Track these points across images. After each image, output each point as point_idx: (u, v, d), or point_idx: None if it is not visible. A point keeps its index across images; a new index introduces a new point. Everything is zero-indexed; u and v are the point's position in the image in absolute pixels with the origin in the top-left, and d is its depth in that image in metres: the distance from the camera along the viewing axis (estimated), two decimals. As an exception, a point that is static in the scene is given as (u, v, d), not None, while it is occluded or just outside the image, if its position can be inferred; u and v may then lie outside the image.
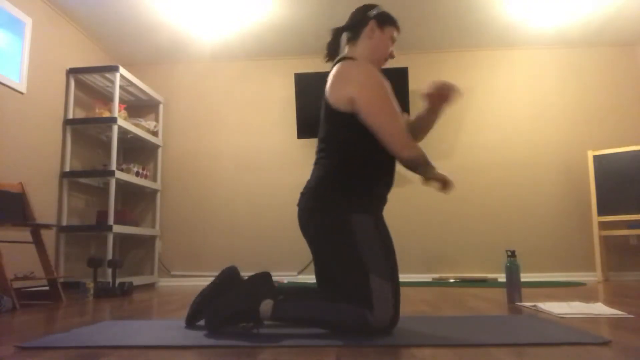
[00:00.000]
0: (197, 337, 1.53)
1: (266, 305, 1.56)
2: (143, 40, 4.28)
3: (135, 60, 4.70)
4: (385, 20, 1.77)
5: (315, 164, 1.74)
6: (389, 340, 1.44)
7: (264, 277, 1.64)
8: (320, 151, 1.73)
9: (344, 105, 1.62)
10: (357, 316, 1.50)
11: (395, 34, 1.79)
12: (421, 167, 1.59)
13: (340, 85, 1.63)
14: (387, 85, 1.64)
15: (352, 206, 1.60)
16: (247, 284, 1.62)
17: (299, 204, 1.72)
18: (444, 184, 1.61)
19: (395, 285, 1.55)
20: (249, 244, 4.43)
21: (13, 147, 3.21)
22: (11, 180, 3.10)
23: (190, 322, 1.77)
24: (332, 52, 1.82)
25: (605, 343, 1.35)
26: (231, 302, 1.59)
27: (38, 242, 2.89)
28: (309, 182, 1.73)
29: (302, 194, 1.73)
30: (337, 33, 1.82)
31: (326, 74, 4.68)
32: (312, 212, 1.66)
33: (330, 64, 1.86)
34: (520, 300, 2.38)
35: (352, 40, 1.78)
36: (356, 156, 1.64)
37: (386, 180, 1.69)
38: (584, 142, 4.38)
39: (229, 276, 1.77)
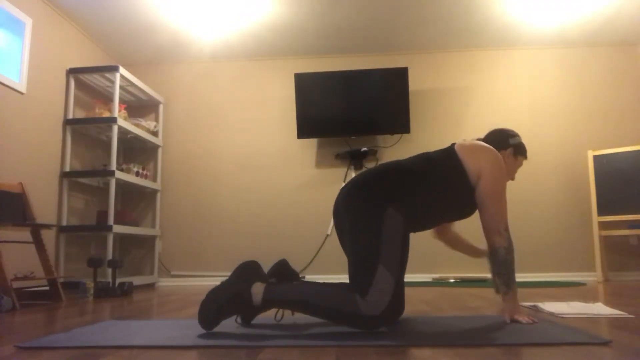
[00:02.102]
0: (197, 337, 1.53)
1: (257, 288, 1.60)
2: (143, 40, 4.29)
3: (135, 60, 4.71)
4: (521, 152, 2.01)
5: (398, 160, 1.84)
6: (389, 340, 1.44)
7: (252, 264, 1.69)
8: (415, 159, 1.83)
9: (469, 167, 1.80)
10: (347, 301, 1.53)
11: (522, 164, 2.08)
12: (500, 265, 1.74)
13: (481, 157, 1.81)
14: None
15: (393, 201, 1.67)
16: (237, 271, 1.67)
17: (342, 188, 1.81)
18: (510, 315, 1.76)
19: (398, 286, 1.58)
20: (249, 244, 4.43)
21: (13, 147, 3.21)
22: (11, 180, 3.10)
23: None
24: None
25: (605, 343, 1.35)
26: (223, 290, 1.61)
27: (38, 242, 2.89)
28: (361, 174, 1.81)
29: (351, 182, 1.80)
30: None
31: (326, 73, 4.67)
32: (358, 188, 1.72)
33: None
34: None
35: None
36: (432, 190, 1.75)
37: (422, 224, 1.82)
38: (584, 142, 4.38)
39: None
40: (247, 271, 1.66)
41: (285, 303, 1.60)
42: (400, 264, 1.61)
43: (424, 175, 1.77)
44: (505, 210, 1.79)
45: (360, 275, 1.58)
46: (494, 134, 2.03)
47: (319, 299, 1.56)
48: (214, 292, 1.62)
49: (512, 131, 2.03)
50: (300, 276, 1.98)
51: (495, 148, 1.97)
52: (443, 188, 1.77)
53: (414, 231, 1.84)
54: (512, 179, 2.02)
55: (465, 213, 1.86)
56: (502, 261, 1.74)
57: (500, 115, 4.48)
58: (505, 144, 1.98)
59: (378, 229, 1.62)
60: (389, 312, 1.54)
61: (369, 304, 1.51)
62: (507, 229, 1.76)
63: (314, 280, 2.13)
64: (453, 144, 1.89)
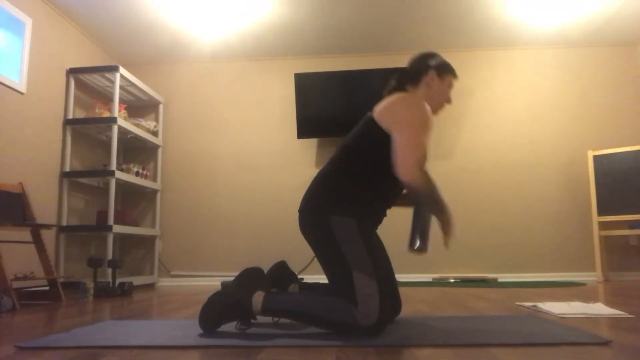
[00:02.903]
0: (197, 337, 1.53)
1: (258, 297, 1.60)
2: (143, 40, 4.29)
3: (135, 60, 4.70)
4: (445, 70, 1.86)
5: (322, 168, 1.79)
6: (389, 340, 1.44)
7: (255, 272, 1.69)
8: (334, 156, 1.76)
9: (385, 124, 1.69)
10: (345, 312, 1.51)
11: (453, 81, 1.90)
12: (424, 199, 1.64)
13: (392, 109, 1.70)
14: (430, 124, 1.71)
15: (333, 208, 1.64)
16: (240, 278, 1.67)
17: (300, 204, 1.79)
18: (444, 225, 1.71)
19: (383, 284, 1.54)
20: (249, 244, 4.43)
21: (13, 147, 3.21)
22: (11, 180, 3.10)
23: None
24: (395, 91, 1.89)
25: (605, 343, 1.35)
26: (225, 296, 1.61)
27: (38, 242, 2.89)
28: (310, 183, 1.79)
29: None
30: (400, 77, 1.90)
31: (326, 73, 4.66)
32: (302, 212, 1.72)
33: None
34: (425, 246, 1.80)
35: (413, 85, 1.87)
36: (363, 172, 1.68)
37: (379, 205, 1.74)
38: (584, 142, 4.38)
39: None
40: (250, 279, 1.66)
41: (284, 313, 1.60)
42: (374, 263, 1.56)
43: (349, 165, 1.69)
44: (416, 149, 1.61)
45: (343, 289, 1.55)
46: (412, 62, 1.88)
47: (318, 311, 1.55)
48: (216, 297, 1.62)
49: (430, 52, 1.89)
50: (299, 277, 1.97)
51: (417, 77, 1.84)
52: (375, 167, 1.68)
53: (379, 213, 1.74)
54: (449, 101, 1.87)
55: None
56: (427, 197, 1.61)
57: (500, 116, 4.48)
58: (426, 68, 1.84)
59: (332, 240, 1.60)
60: (384, 317, 1.50)
61: (362, 314, 1.49)
62: (420, 167, 1.61)
63: (313, 282, 2.12)
64: (371, 113, 1.75)
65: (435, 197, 1.66)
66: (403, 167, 1.60)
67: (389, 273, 1.62)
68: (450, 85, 1.88)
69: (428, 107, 1.71)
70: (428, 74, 1.84)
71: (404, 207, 1.98)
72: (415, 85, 1.86)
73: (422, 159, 1.64)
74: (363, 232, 1.61)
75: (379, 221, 1.81)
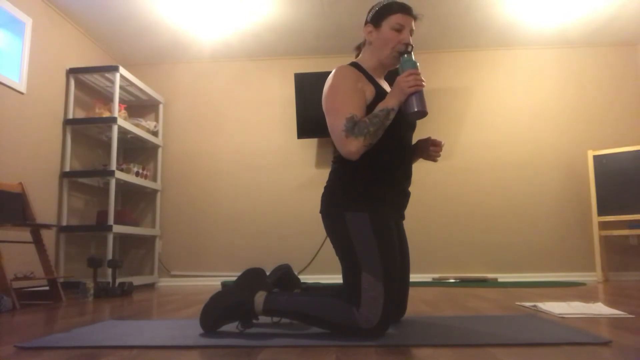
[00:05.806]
0: (197, 337, 1.53)
1: (260, 297, 1.59)
2: (143, 40, 4.28)
3: (135, 60, 4.70)
4: (380, 16, 1.70)
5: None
6: (389, 340, 1.44)
7: (257, 272, 1.68)
8: (334, 153, 1.77)
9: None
10: (345, 314, 1.50)
11: (399, 20, 1.67)
12: (380, 128, 1.57)
13: (323, 97, 1.71)
14: (353, 83, 1.63)
15: (347, 205, 1.62)
16: (242, 278, 1.67)
17: None
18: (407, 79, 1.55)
19: (389, 286, 1.51)
20: (249, 244, 4.43)
21: (13, 147, 3.21)
22: (11, 180, 3.10)
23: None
24: None
25: (605, 343, 1.35)
26: (226, 296, 1.61)
27: (38, 242, 2.89)
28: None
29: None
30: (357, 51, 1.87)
31: (326, 73, 4.67)
32: (321, 214, 1.71)
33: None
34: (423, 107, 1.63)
35: (362, 49, 1.83)
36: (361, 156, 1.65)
37: (387, 180, 1.67)
38: (584, 142, 4.38)
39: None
40: (252, 279, 1.65)
41: (285, 313, 1.59)
42: (383, 265, 1.52)
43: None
44: (337, 117, 1.59)
45: (349, 287, 1.55)
46: None
47: (319, 312, 1.54)
48: (217, 297, 1.62)
49: (372, 8, 1.76)
50: (302, 282, 1.96)
51: (362, 42, 1.80)
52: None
53: (395, 195, 1.69)
54: (406, 43, 1.66)
55: (404, 128, 1.70)
56: (380, 127, 1.56)
57: (500, 115, 4.48)
58: (364, 26, 1.75)
59: (347, 238, 1.58)
60: (385, 320, 1.49)
61: (363, 316, 1.48)
62: (347, 128, 1.56)
63: (316, 284, 2.11)
64: None
65: (385, 114, 1.57)
66: (336, 142, 1.61)
67: (399, 273, 1.59)
68: (396, 27, 1.67)
69: (344, 71, 1.66)
70: (365, 31, 1.74)
71: (416, 159, 1.90)
72: (362, 49, 1.80)
73: (355, 116, 1.58)
74: (376, 227, 1.57)
75: (399, 205, 1.75)
